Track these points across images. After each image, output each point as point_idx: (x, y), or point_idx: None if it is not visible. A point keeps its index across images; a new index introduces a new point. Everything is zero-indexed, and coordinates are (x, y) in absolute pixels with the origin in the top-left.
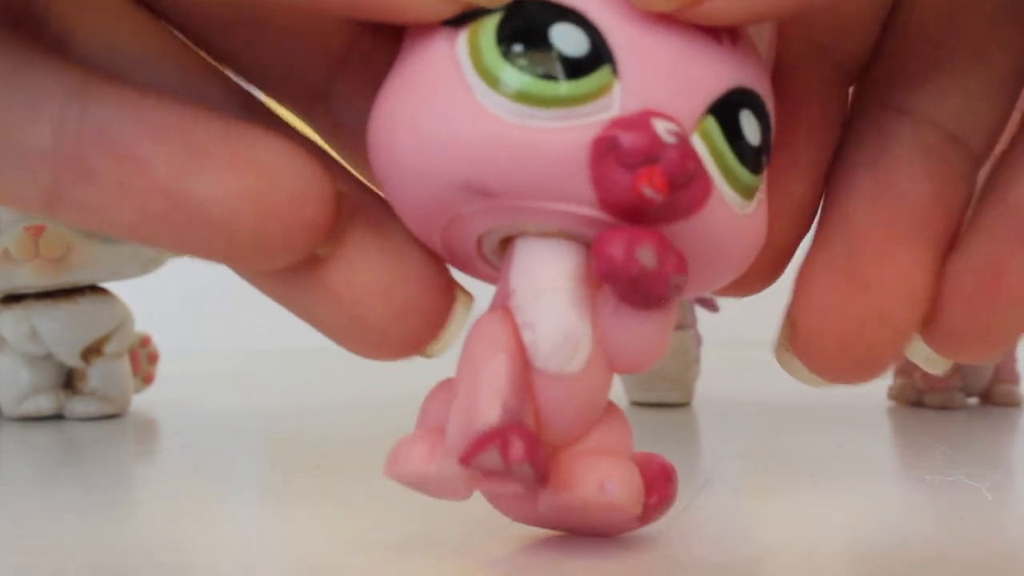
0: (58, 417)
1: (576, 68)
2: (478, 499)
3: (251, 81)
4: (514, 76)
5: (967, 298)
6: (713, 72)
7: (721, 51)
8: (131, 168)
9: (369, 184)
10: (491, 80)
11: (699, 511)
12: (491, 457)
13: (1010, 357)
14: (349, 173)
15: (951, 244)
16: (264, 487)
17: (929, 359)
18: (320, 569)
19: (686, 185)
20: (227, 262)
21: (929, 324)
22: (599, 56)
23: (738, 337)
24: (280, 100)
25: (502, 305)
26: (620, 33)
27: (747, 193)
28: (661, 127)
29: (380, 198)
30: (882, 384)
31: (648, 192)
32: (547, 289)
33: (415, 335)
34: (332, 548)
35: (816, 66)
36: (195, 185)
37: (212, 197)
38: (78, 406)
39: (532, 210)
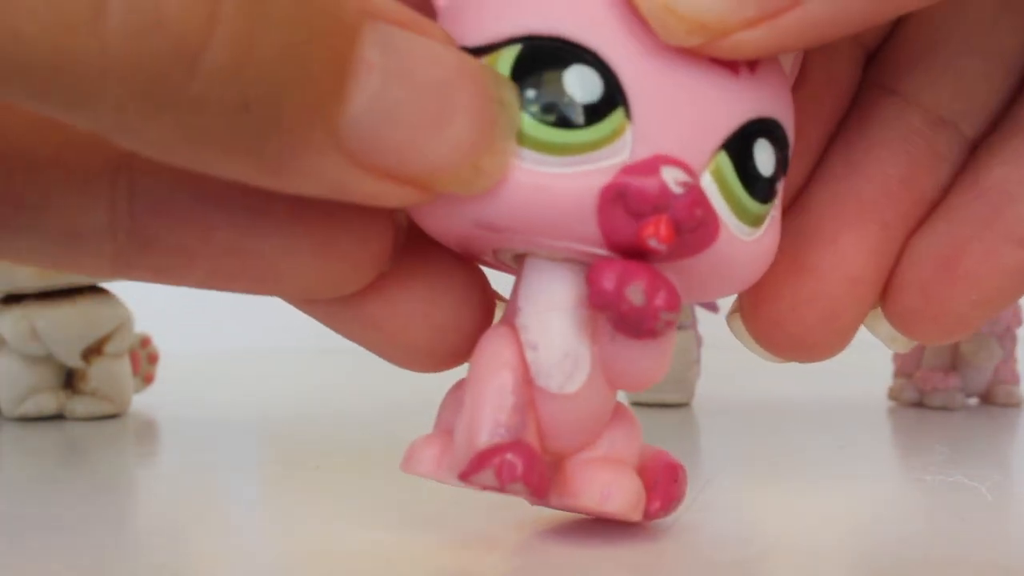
0: (58, 417)
1: (590, 114)
2: (480, 501)
3: None
4: (527, 124)
5: (924, 279)
6: (728, 108)
7: (738, 83)
8: (193, 236)
9: None
10: None
11: (700, 511)
12: (487, 477)
13: (1010, 358)
14: None
15: (918, 226)
16: (264, 487)
17: (892, 338)
18: (321, 569)
19: (694, 230)
20: (294, 300)
21: (888, 303)
22: (613, 99)
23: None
24: None
25: (508, 322)
26: (634, 71)
27: (755, 222)
28: (670, 176)
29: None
30: (882, 384)
31: (652, 243)
32: (550, 311)
33: (457, 351)
34: (333, 548)
35: (839, 43)
36: (260, 244)
37: (279, 253)
38: (78, 406)
39: (540, 244)
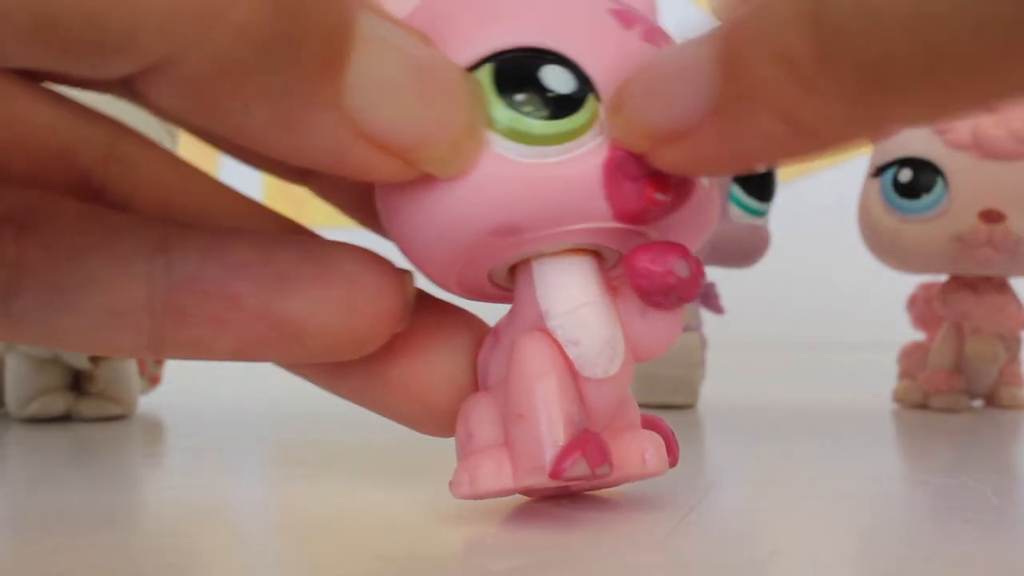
0: (65, 418)
1: (572, 103)
2: (488, 504)
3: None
4: (525, 123)
5: None
6: None
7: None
8: (224, 305)
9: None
10: (506, 132)
11: (704, 513)
12: (579, 468)
13: (1015, 360)
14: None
15: None
16: (272, 489)
17: None
18: (328, 570)
19: (680, 182)
20: (321, 360)
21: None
22: (584, 87)
23: (743, 339)
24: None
25: (536, 326)
26: (592, 60)
27: None
28: None
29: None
30: (887, 386)
31: (659, 196)
32: (579, 306)
33: None
34: (339, 549)
35: None
36: (285, 306)
37: (303, 313)
38: (85, 407)
39: (553, 235)
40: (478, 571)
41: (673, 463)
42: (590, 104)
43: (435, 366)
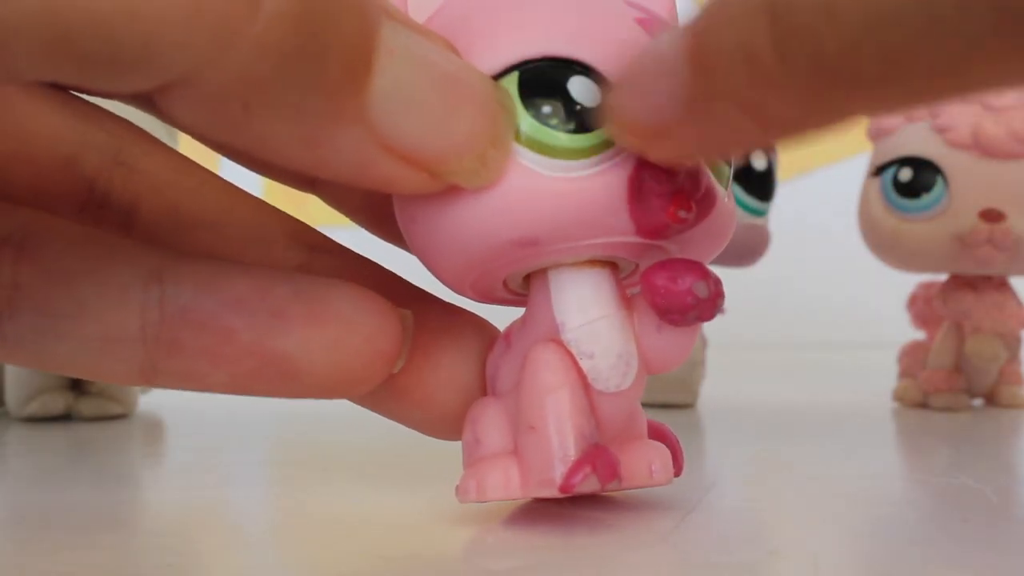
0: (65, 417)
1: (598, 116)
2: (490, 505)
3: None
4: (551, 135)
5: None
6: None
7: None
8: (217, 338)
9: None
10: (531, 144)
11: (704, 512)
12: (590, 483)
13: (1015, 359)
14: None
15: None
16: (271, 489)
17: None
18: (328, 569)
19: (703, 198)
20: (314, 398)
21: None
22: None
23: (743, 339)
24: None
25: (550, 336)
26: (617, 69)
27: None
28: None
29: (432, 297)
30: (887, 386)
31: (682, 214)
32: (594, 319)
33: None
34: (340, 549)
35: None
36: (278, 344)
37: (296, 352)
38: (85, 407)
39: (574, 248)
40: (478, 571)
41: (678, 473)
42: None
43: (442, 370)
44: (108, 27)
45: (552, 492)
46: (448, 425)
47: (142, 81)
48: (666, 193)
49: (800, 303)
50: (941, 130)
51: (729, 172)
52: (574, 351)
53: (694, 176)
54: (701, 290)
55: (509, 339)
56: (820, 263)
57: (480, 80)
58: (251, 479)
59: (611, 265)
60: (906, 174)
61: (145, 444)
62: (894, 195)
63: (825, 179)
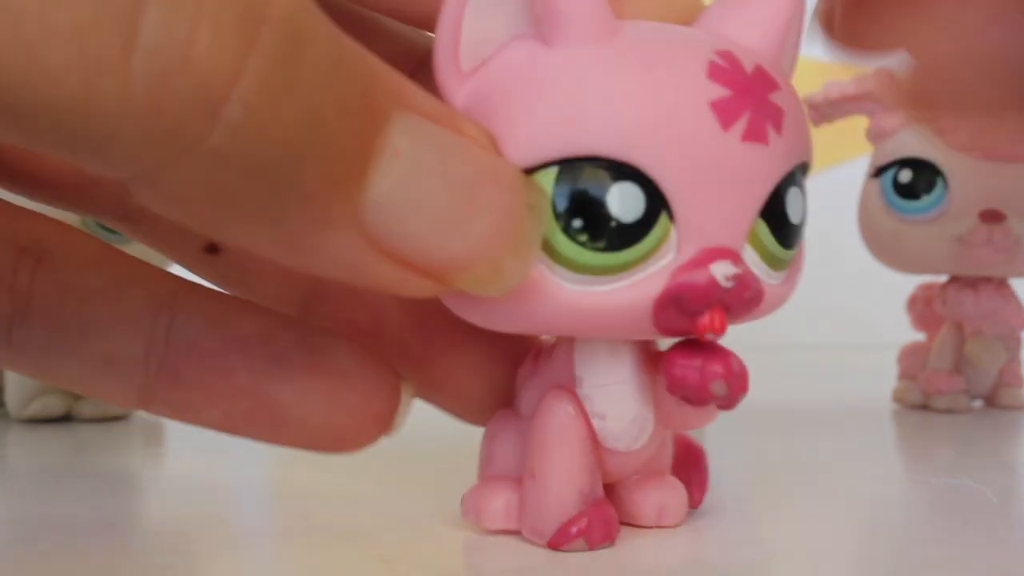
0: (65, 419)
1: (637, 231)
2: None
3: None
4: (575, 251)
5: None
6: (763, 178)
7: (769, 150)
8: (216, 375)
9: None
10: (553, 254)
11: (705, 513)
12: (578, 544)
13: (1015, 360)
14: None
15: None
16: (271, 489)
17: None
18: (328, 571)
19: (744, 307)
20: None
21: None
22: (656, 209)
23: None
24: None
25: (567, 384)
26: (674, 174)
27: (783, 267)
28: (719, 271)
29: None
30: (887, 387)
31: (710, 336)
32: (612, 383)
33: (504, 398)
34: (340, 550)
35: None
36: (275, 389)
37: (291, 400)
38: (85, 408)
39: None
40: (478, 571)
41: (695, 503)
42: (660, 226)
43: (470, 363)
44: (63, 117)
45: (541, 543)
46: (484, 412)
47: (106, 171)
48: (696, 312)
49: (800, 304)
50: (941, 131)
51: (788, 255)
52: (587, 408)
53: (740, 292)
54: (719, 389)
55: (536, 363)
56: (820, 264)
57: (507, 178)
58: (250, 480)
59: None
60: (906, 175)
61: (145, 446)
62: (894, 196)
63: (825, 181)
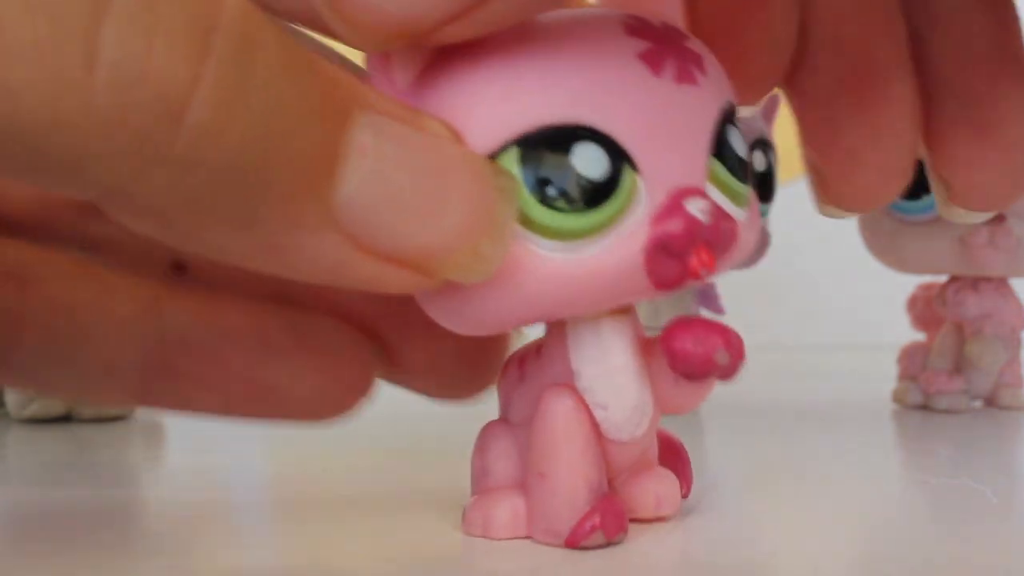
0: (65, 419)
1: (608, 185)
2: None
3: None
4: (557, 219)
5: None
6: (703, 117)
7: (700, 89)
8: (211, 364)
9: None
10: (536, 228)
11: (704, 512)
12: (596, 538)
13: (1015, 360)
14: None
15: None
16: (271, 490)
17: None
18: (328, 571)
19: (722, 240)
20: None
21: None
22: (620, 162)
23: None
24: None
25: (565, 381)
26: (628, 127)
27: (744, 203)
28: (694, 208)
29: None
30: (887, 387)
31: (703, 272)
32: (611, 371)
33: (487, 378)
34: (339, 551)
35: None
36: (269, 372)
37: (285, 380)
38: (85, 408)
39: (592, 311)
40: (478, 571)
41: (685, 495)
42: (627, 179)
43: (438, 339)
44: (28, 136)
45: (558, 543)
46: (458, 388)
47: (73, 190)
48: (684, 252)
49: (800, 304)
50: None
51: (746, 190)
52: (588, 400)
53: (718, 226)
54: (722, 358)
55: (523, 368)
56: (820, 264)
57: (474, 166)
58: (250, 480)
59: (630, 311)
60: None
61: (145, 445)
62: None
63: None
